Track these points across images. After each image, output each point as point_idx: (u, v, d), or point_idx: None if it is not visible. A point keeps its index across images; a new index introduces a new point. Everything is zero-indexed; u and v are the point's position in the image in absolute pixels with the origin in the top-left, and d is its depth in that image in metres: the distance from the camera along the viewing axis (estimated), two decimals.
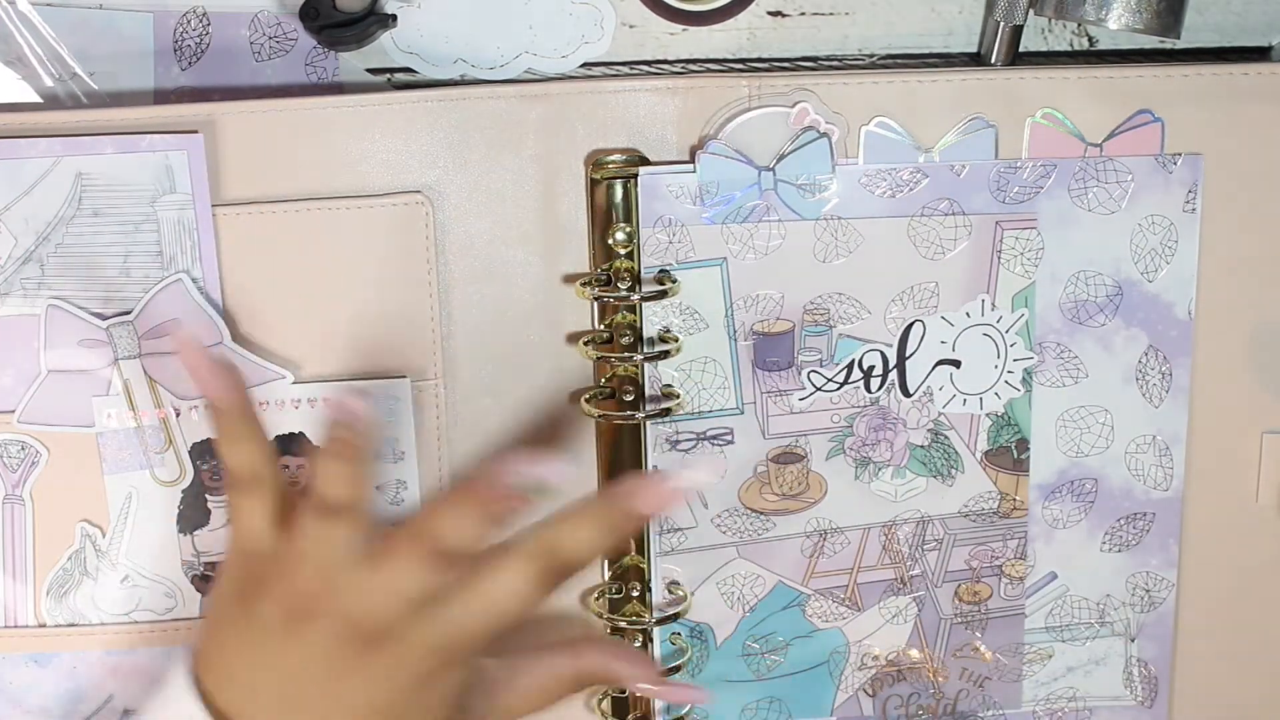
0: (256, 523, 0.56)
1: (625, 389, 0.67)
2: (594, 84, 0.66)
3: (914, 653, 0.71)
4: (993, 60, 0.68)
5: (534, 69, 0.68)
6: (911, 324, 0.67)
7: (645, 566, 0.68)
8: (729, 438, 0.68)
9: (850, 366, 0.68)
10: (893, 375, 0.68)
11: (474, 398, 0.67)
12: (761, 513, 0.69)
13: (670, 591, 0.69)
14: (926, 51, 0.69)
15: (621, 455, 0.67)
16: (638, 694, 0.66)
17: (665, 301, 0.66)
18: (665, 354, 0.66)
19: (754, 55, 0.69)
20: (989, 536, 0.70)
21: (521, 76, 0.67)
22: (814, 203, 0.66)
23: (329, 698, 0.54)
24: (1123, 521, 0.70)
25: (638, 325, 0.66)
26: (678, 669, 0.69)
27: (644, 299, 0.66)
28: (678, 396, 0.67)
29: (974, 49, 0.69)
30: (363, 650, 0.54)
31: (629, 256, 0.66)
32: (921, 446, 0.69)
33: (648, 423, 0.67)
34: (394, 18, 0.66)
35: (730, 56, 0.69)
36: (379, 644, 0.54)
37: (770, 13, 0.68)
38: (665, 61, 0.69)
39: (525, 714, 0.60)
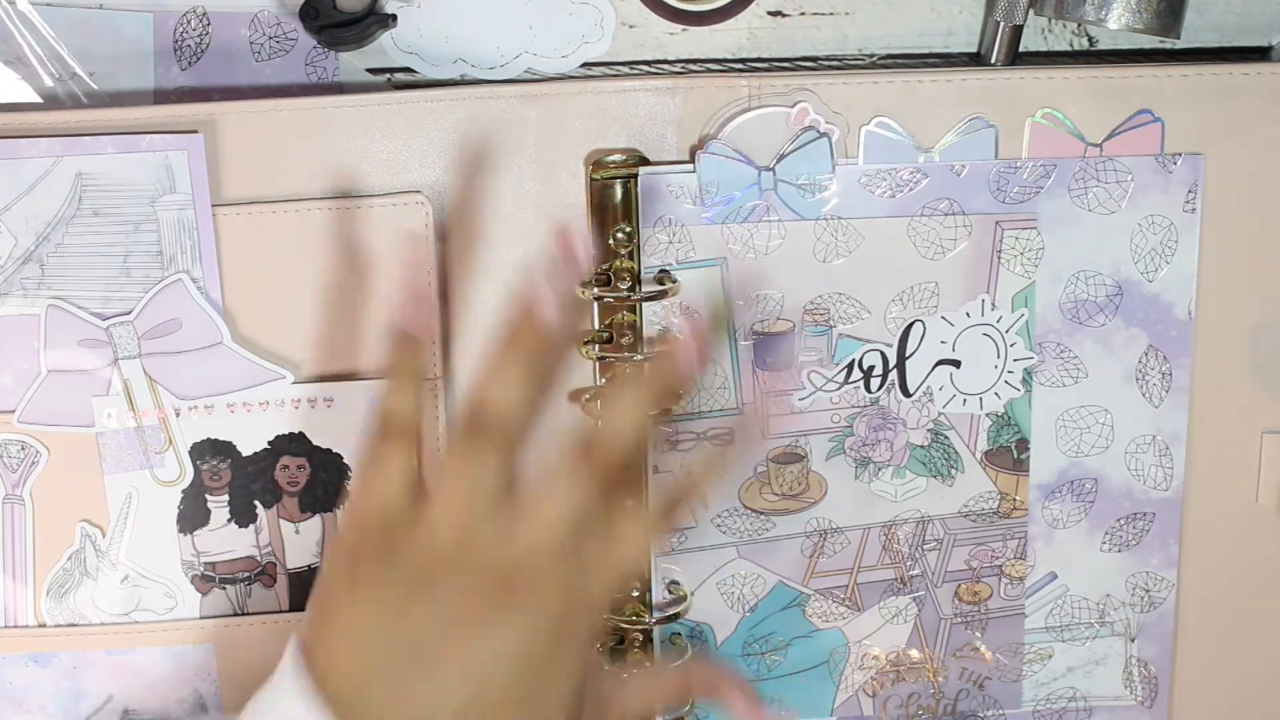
0: (394, 480, 0.54)
1: None
2: (594, 84, 0.66)
3: (914, 653, 0.71)
4: (993, 60, 0.68)
5: (534, 69, 0.68)
6: (911, 324, 0.67)
7: (645, 566, 0.68)
8: (729, 438, 0.68)
9: (850, 366, 0.68)
10: (893, 375, 0.68)
11: None
12: (761, 513, 0.69)
13: (670, 591, 0.69)
14: (926, 51, 0.69)
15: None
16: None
17: (665, 301, 0.66)
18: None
19: (754, 55, 0.69)
20: (989, 536, 0.70)
21: (521, 76, 0.67)
22: (814, 203, 0.66)
23: (462, 656, 0.51)
24: (1123, 521, 0.70)
25: (638, 325, 0.66)
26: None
27: (644, 299, 0.66)
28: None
29: (974, 49, 0.69)
30: (501, 602, 0.52)
31: (629, 256, 0.66)
32: (921, 446, 0.69)
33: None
34: (394, 18, 0.66)
35: (730, 56, 0.69)
36: (518, 592, 0.52)
37: (770, 13, 0.68)
38: (665, 61, 0.69)
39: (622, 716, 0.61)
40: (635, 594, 0.68)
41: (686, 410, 0.67)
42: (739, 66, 0.69)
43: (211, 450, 0.66)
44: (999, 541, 0.70)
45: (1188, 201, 0.67)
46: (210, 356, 0.65)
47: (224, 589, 0.67)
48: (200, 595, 0.67)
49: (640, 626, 0.68)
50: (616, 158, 0.66)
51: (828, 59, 0.69)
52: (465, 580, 0.52)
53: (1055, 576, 0.70)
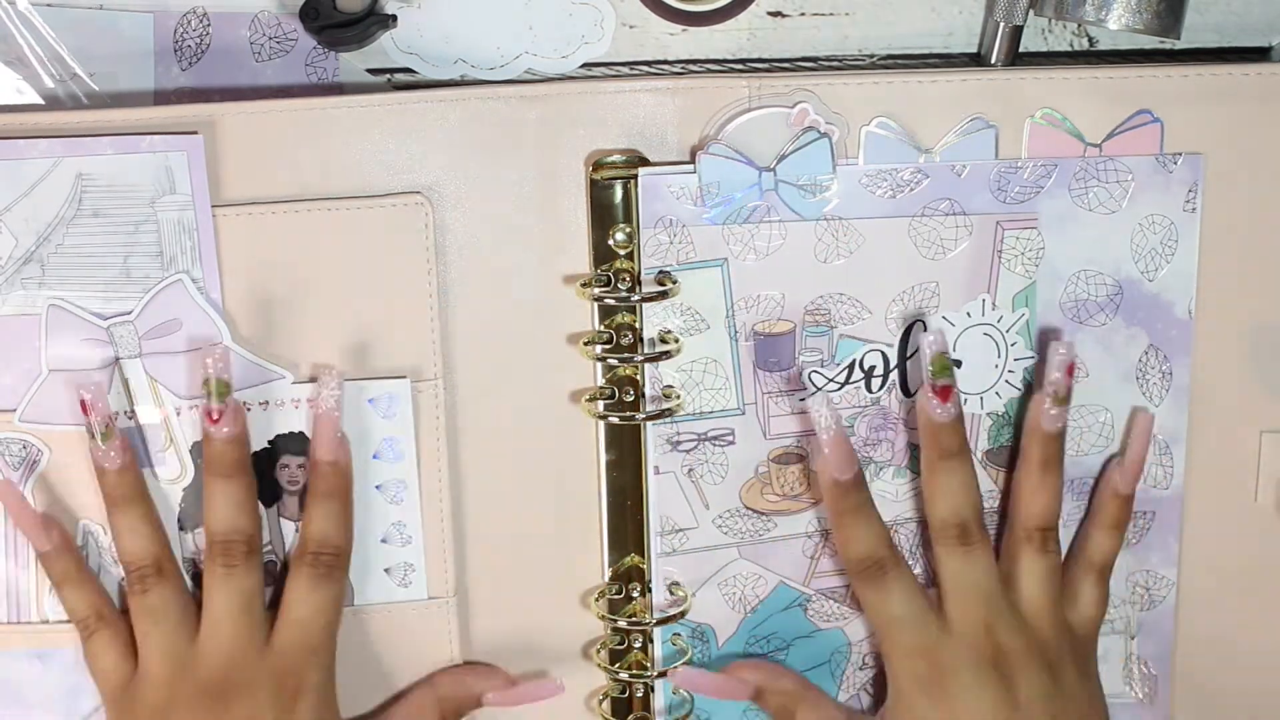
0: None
1: (626, 390, 0.67)
2: (594, 84, 0.66)
3: None
4: (993, 60, 0.68)
5: (534, 69, 0.67)
6: (912, 324, 0.67)
7: (646, 567, 0.68)
8: (730, 438, 0.68)
9: (851, 367, 0.68)
10: (893, 375, 0.68)
11: (474, 398, 0.67)
12: (762, 513, 0.69)
13: (671, 592, 0.69)
14: (926, 51, 0.69)
15: (622, 456, 0.68)
16: (489, 704, 0.68)
17: (666, 302, 0.66)
18: (666, 355, 0.66)
19: (754, 55, 0.69)
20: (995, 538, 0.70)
21: (521, 76, 0.67)
22: (814, 203, 0.66)
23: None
24: None
25: (638, 326, 0.66)
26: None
27: (644, 300, 0.66)
28: (678, 397, 0.67)
29: (974, 49, 0.69)
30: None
31: (629, 257, 0.66)
32: None
33: (648, 423, 0.67)
34: (394, 18, 0.66)
35: (730, 57, 0.69)
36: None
37: (770, 13, 0.68)
38: (665, 62, 0.69)
39: None
40: (636, 595, 0.68)
41: (687, 411, 0.67)
42: (739, 67, 0.69)
43: None
44: (1000, 541, 0.70)
45: (1188, 201, 0.67)
46: None
47: None
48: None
49: (641, 627, 0.68)
50: (616, 158, 0.66)
51: (828, 59, 0.69)
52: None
53: None
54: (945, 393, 0.64)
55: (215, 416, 0.62)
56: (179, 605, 0.64)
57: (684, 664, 0.69)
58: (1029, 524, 0.66)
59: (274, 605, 0.66)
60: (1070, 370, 0.65)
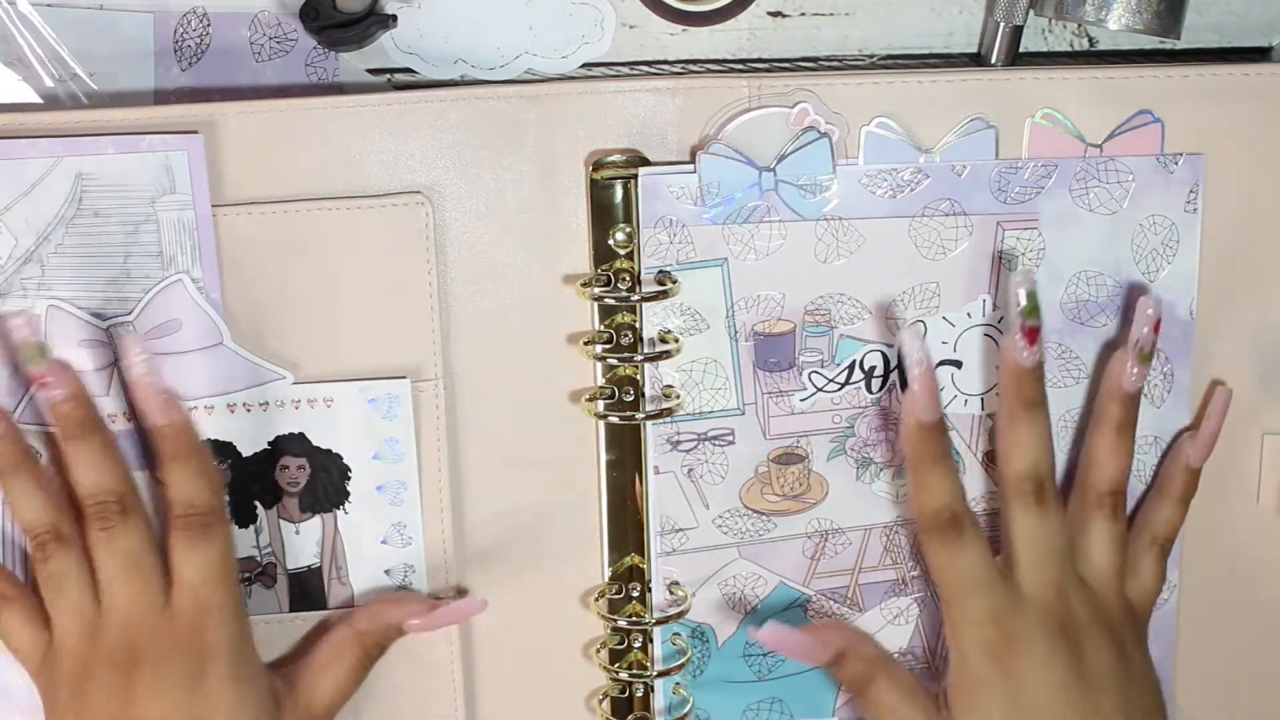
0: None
1: (626, 390, 0.67)
2: (594, 84, 0.66)
3: (916, 653, 0.71)
4: (993, 60, 0.68)
5: (534, 69, 0.68)
6: (913, 324, 0.67)
7: (646, 567, 0.68)
8: (730, 438, 0.68)
9: (851, 367, 0.68)
10: (894, 376, 0.68)
11: (474, 398, 0.67)
12: (762, 513, 0.69)
13: (671, 592, 0.69)
14: (926, 51, 0.69)
15: (622, 456, 0.67)
16: (412, 631, 0.66)
17: (666, 302, 0.66)
18: (665, 354, 0.66)
19: (754, 55, 0.69)
20: (990, 537, 0.70)
21: (521, 76, 0.68)
22: (815, 203, 0.66)
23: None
24: None
25: (638, 326, 0.66)
26: (680, 668, 0.69)
27: (644, 299, 0.66)
28: (678, 397, 0.67)
29: (974, 49, 0.69)
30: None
31: (629, 257, 0.66)
32: None
33: (648, 423, 0.67)
34: (394, 18, 0.66)
35: (730, 57, 0.69)
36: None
37: (770, 13, 0.68)
38: (665, 62, 0.69)
39: (335, 699, 0.65)
40: (635, 595, 0.68)
41: (687, 411, 0.67)
42: (739, 67, 0.69)
43: (211, 450, 0.66)
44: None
45: (1189, 201, 0.67)
46: (210, 356, 0.65)
47: None
48: None
49: (641, 627, 0.68)
50: (616, 158, 0.66)
51: (828, 59, 0.69)
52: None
53: None
54: (1033, 335, 0.62)
55: (45, 381, 0.61)
56: (82, 570, 0.62)
57: (680, 665, 0.69)
58: (1101, 488, 0.64)
59: (283, 610, 0.66)
60: (1157, 327, 0.63)
